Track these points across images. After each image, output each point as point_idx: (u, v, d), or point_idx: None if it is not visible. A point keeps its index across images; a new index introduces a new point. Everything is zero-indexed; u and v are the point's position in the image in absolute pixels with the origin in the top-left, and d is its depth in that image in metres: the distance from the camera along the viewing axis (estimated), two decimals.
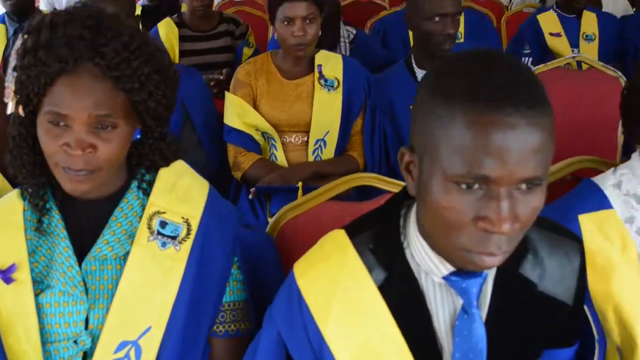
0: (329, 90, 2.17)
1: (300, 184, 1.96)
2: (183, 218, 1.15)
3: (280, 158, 2.17)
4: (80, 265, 1.12)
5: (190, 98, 2.13)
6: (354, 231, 1.02)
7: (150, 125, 1.12)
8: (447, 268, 0.94)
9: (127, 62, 1.02)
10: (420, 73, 2.25)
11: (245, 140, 2.17)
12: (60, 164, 1.03)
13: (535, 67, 2.62)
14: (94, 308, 1.12)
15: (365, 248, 0.99)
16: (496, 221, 0.81)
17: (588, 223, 1.25)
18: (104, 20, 1.05)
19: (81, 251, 1.13)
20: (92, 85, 1.01)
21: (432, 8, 2.10)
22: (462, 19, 3.03)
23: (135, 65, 1.03)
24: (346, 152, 2.21)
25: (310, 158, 2.16)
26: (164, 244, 1.13)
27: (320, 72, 2.18)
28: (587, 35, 3.24)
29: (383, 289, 0.97)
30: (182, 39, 3.04)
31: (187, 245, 1.14)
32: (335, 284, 0.99)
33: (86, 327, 1.12)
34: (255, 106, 2.18)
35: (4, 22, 3.01)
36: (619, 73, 2.61)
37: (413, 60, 2.27)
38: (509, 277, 0.99)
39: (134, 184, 1.17)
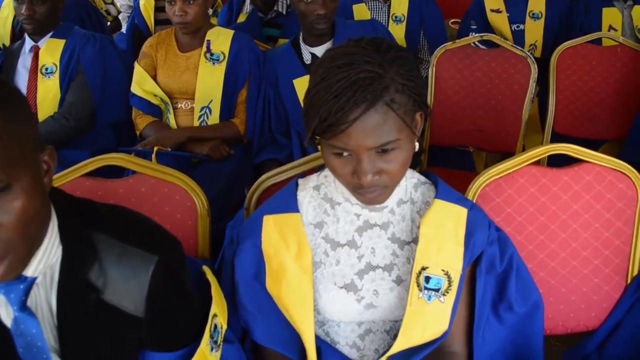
0: (213, 63, 2.06)
1: (155, 149, 1.90)
2: None
3: (172, 122, 2.09)
4: None
5: (86, 59, 2.14)
6: None
7: None
8: None
9: None
10: (305, 49, 2.09)
11: (144, 105, 2.11)
12: None
13: (444, 45, 2.37)
14: None
15: None
16: None
17: (270, 225, 1.09)
18: None
19: None
20: None
21: None
22: (406, 2, 2.81)
23: None
24: (229, 120, 2.12)
25: (196, 123, 2.07)
26: None
27: (208, 47, 2.06)
28: (533, 13, 2.86)
29: None
30: (158, 9, 2.98)
31: None
32: None
33: None
34: (155, 75, 2.13)
35: None
36: (527, 53, 2.31)
37: (301, 38, 2.12)
38: (76, 282, 0.87)
39: None
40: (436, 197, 1.09)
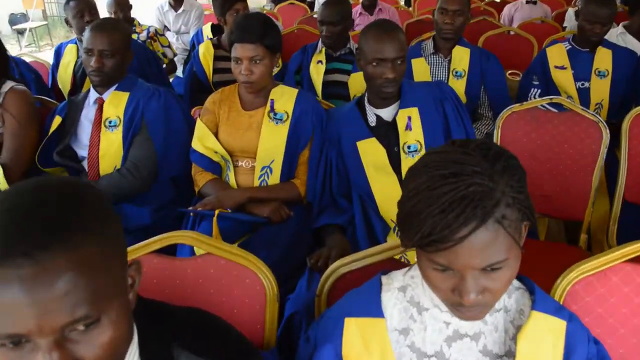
0: (277, 122, 2.03)
1: (216, 212, 1.86)
2: None
3: (232, 180, 2.06)
4: None
5: (150, 114, 2.13)
6: None
7: None
8: None
9: None
10: (370, 110, 2.04)
11: (204, 162, 2.08)
12: None
13: (510, 107, 2.28)
14: None
15: None
16: None
17: (352, 329, 1.02)
18: None
19: None
20: None
21: (372, 53, 1.88)
22: (467, 57, 2.75)
23: None
24: (290, 180, 2.07)
25: (256, 182, 2.03)
26: None
27: (271, 106, 2.04)
28: (599, 71, 2.74)
29: None
30: (217, 58, 3.00)
31: None
32: None
33: None
34: (217, 132, 2.11)
35: (75, 42, 3.11)
36: (599, 117, 2.20)
37: (366, 99, 2.07)
38: None
39: None
40: (533, 308, 1.01)
